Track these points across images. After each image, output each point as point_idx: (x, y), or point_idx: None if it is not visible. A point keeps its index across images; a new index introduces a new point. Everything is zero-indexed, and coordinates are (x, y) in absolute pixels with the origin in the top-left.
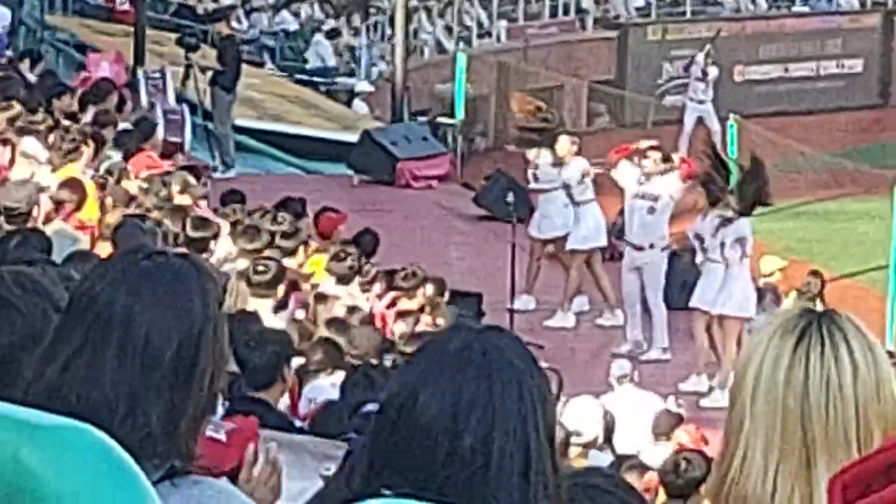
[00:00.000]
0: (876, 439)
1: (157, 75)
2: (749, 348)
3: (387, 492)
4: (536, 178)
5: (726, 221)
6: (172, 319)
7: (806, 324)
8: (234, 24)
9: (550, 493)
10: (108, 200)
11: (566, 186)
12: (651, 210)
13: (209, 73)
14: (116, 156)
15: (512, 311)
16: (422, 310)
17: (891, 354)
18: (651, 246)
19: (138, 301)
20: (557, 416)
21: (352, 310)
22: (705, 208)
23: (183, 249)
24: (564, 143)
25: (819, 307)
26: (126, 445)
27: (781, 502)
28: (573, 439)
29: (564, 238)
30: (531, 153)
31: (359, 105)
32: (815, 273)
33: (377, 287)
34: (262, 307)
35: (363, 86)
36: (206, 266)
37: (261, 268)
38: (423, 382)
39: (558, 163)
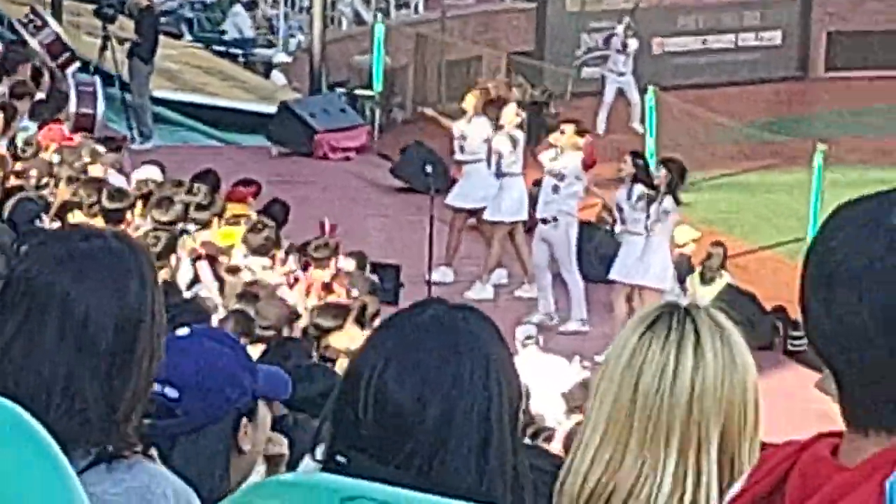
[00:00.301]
0: (712, 436)
1: (30, 17)
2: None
3: (341, 459)
4: (462, 150)
5: (651, 195)
6: (111, 302)
7: (658, 315)
8: None
9: (507, 473)
10: (34, 172)
11: (499, 156)
12: (555, 189)
13: (127, 45)
14: (33, 127)
15: (430, 284)
16: (333, 280)
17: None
18: (554, 219)
19: (77, 284)
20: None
21: (261, 283)
22: (628, 180)
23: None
24: (510, 113)
25: (726, 277)
26: (62, 429)
27: (603, 491)
28: None
29: (485, 210)
30: (460, 125)
31: (277, 76)
32: (717, 244)
33: (292, 258)
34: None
35: (281, 57)
36: (142, 248)
37: (151, 240)
38: (391, 355)
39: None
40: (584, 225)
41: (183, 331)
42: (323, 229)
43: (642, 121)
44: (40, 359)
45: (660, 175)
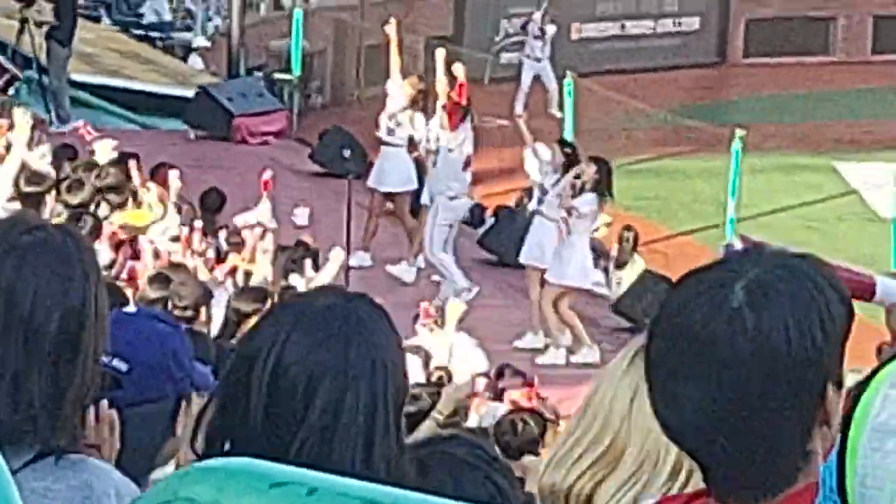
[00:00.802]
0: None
1: None
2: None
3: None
4: (391, 132)
5: (580, 189)
6: (56, 295)
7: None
8: None
9: (391, 464)
10: None
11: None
12: (434, 164)
13: (45, 28)
14: None
15: (348, 268)
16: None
17: None
18: (431, 200)
19: (20, 277)
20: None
21: (178, 265)
22: (558, 164)
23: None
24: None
25: (638, 261)
26: (7, 423)
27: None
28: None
29: (402, 194)
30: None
31: (195, 60)
32: (628, 227)
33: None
34: None
35: (199, 41)
36: (84, 239)
37: (79, 223)
38: (289, 336)
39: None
40: (504, 209)
41: (130, 308)
42: (266, 185)
43: (560, 107)
44: None
45: (587, 171)
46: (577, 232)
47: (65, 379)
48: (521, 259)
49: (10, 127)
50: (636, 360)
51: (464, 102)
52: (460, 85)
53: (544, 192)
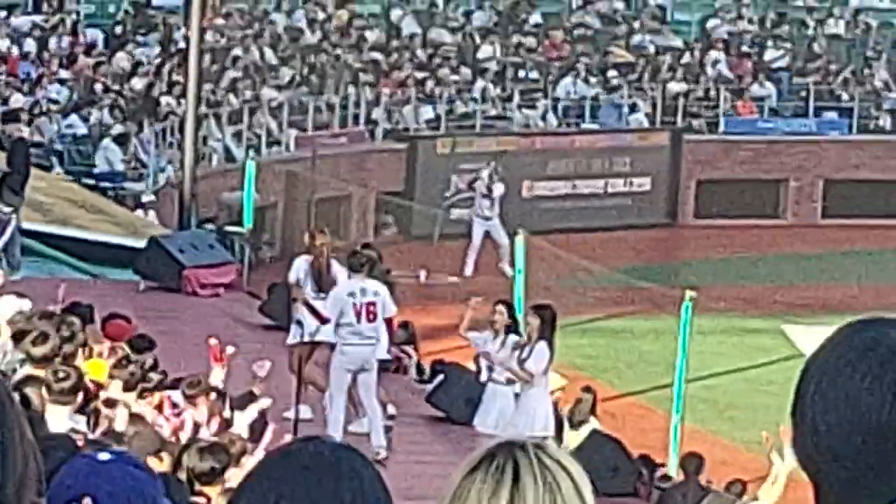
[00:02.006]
0: None
1: None
2: None
3: None
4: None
5: (523, 344)
6: None
7: (483, 457)
8: (20, 126)
9: None
10: None
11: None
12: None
13: None
14: None
15: (297, 421)
16: (211, 418)
17: (666, 478)
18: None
19: None
20: None
21: (133, 417)
22: (502, 331)
23: None
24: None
25: (594, 423)
26: None
27: None
28: None
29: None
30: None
31: (142, 214)
32: (587, 389)
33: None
34: (59, 414)
35: (147, 196)
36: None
37: (61, 374)
38: (268, 492)
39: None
40: (453, 367)
41: (104, 455)
42: (123, 329)
43: (511, 264)
44: None
45: (532, 324)
46: (537, 385)
47: None
48: (477, 424)
49: None
50: (454, 498)
51: None
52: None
53: (487, 357)
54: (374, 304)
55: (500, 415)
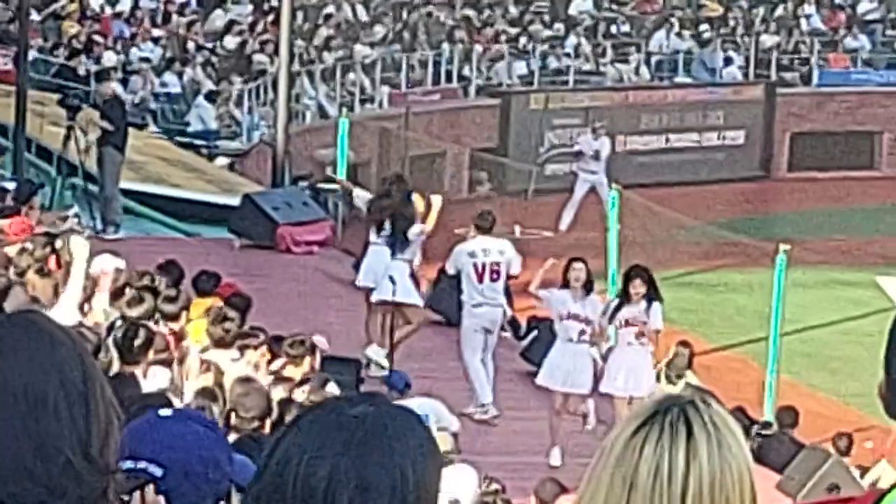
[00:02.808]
0: None
1: None
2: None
3: None
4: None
5: (619, 304)
6: (46, 367)
7: (653, 412)
8: (113, 85)
9: None
10: None
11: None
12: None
13: (92, 134)
14: None
15: (389, 377)
16: (306, 379)
17: (767, 425)
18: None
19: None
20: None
21: (245, 378)
22: (578, 288)
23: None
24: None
25: (690, 377)
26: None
27: None
28: None
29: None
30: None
31: (221, 161)
32: (683, 343)
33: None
34: (135, 372)
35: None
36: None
37: (131, 333)
38: (310, 447)
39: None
40: (547, 322)
41: (165, 411)
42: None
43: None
44: (1, 440)
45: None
46: (648, 346)
47: (84, 428)
48: (609, 390)
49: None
50: (626, 451)
51: None
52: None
53: (589, 322)
54: (498, 263)
55: (569, 373)
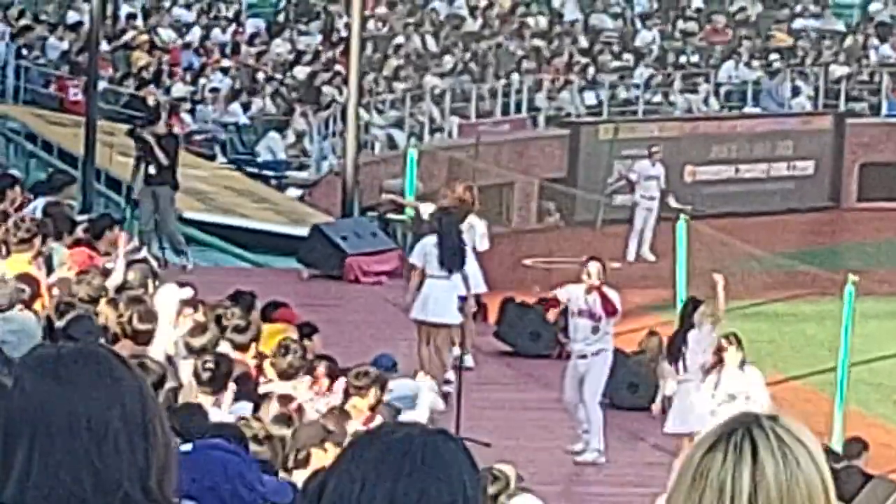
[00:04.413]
0: None
1: None
2: None
3: None
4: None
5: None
6: (109, 398)
7: (719, 435)
8: (182, 115)
9: None
10: (55, 291)
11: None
12: (595, 329)
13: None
14: (59, 247)
15: (459, 411)
16: (373, 409)
17: (837, 457)
18: (595, 354)
19: (68, 393)
20: None
21: (296, 407)
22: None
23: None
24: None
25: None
26: None
27: None
28: None
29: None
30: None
31: (292, 192)
32: (652, 333)
33: (324, 383)
34: (208, 403)
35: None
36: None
37: (209, 364)
38: (368, 473)
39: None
40: (614, 352)
41: (186, 447)
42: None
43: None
44: (60, 471)
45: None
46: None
47: (142, 459)
48: (676, 429)
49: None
50: (696, 477)
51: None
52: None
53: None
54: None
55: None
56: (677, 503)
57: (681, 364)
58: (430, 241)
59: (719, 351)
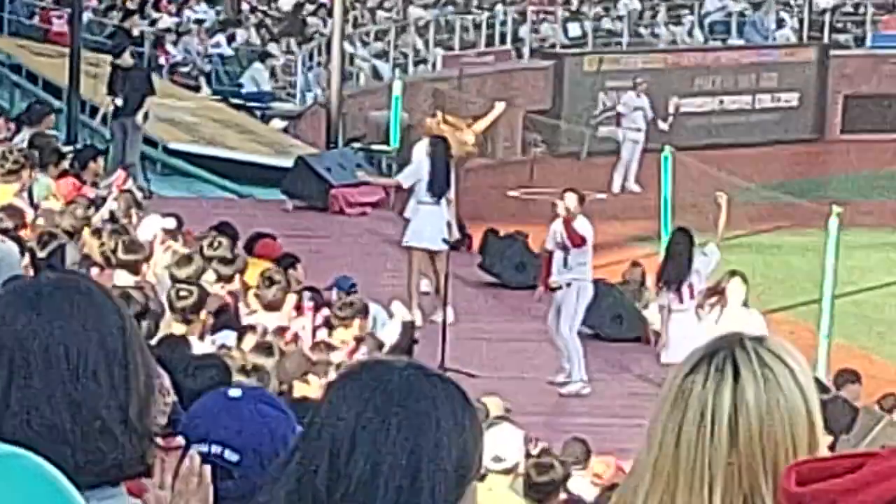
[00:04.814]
0: (761, 483)
1: None
2: None
3: None
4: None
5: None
6: (89, 332)
7: (701, 357)
8: (167, 47)
9: None
10: (40, 222)
11: None
12: (565, 261)
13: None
14: (44, 178)
15: (444, 339)
16: (359, 340)
17: (825, 388)
18: (567, 285)
19: (47, 323)
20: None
21: (279, 332)
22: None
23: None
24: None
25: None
26: (88, 456)
27: None
28: (494, 465)
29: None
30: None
31: (277, 123)
32: (634, 263)
33: (310, 313)
34: (188, 333)
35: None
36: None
37: (183, 293)
38: (356, 423)
39: None
40: (597, 283)
41: (235, 392)
42: (270, 247)
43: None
44: (39, 402)
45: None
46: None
47: (123, 395)
48: (665, 360)
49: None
50: (677, 399)
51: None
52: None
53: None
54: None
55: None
56: (659, 425)
57: (685, 291)
58: (424, 166)
59: (718, 287)
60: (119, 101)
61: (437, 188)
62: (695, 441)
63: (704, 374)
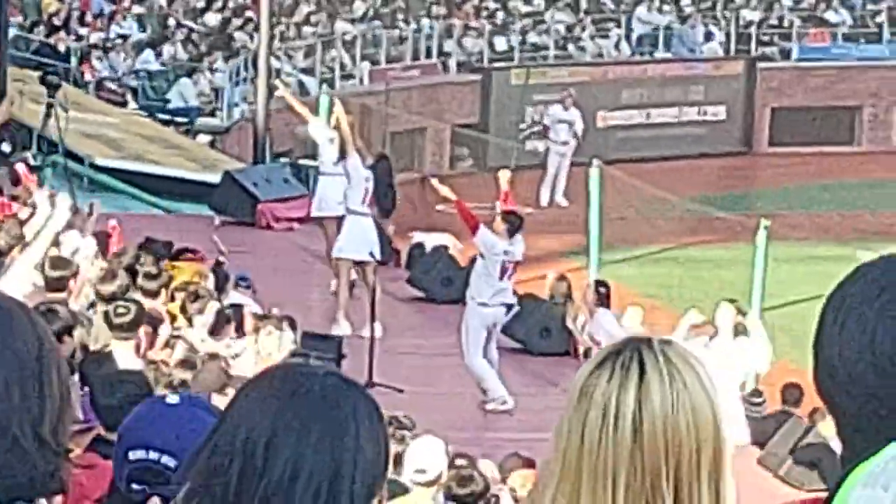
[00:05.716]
0: (662, 481)
1: None
2: None
3: None
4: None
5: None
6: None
7: (607, 354)
8: (94, 63)
9: None
10: None
11: None
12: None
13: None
14: None
15: (371, 354)
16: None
17: (759, 394)
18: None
19: None
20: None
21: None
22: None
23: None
24: None
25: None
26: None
27: None
28: (417, 477)
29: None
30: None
31: (202, 139)
32: (560, 277)
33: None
34: (123, 349)
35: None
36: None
37: (121, 310)
38: (271, 427)
39: None
40: (525, 298)
41: (173, 398)
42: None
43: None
44: None
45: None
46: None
47: (38, 408)
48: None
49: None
50: (581, 397)
51: (514, 209)
52: (505, 193)
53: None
54: (517, 263)
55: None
56: (565, 423)
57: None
58: (357, 174)
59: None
60: None
61: (381, 204)
62: (598, 438)
63: (610, 371)
